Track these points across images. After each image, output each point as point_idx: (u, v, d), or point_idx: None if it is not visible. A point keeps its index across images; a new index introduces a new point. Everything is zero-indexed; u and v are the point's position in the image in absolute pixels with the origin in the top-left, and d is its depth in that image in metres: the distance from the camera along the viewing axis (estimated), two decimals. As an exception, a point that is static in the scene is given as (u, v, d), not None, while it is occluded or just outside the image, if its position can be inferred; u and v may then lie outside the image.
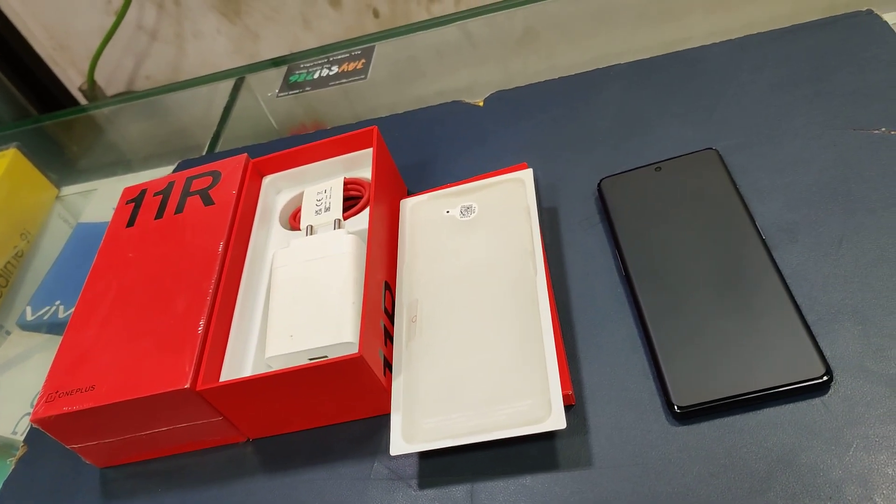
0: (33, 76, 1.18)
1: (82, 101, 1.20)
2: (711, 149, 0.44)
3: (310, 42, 1.09)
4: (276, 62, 0.77)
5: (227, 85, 0.78)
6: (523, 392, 0.36)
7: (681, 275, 0.39)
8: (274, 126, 0.71)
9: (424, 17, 1.02)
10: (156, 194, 0.49)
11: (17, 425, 0.57)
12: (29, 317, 0.64)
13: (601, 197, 0.44)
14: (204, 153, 0.67)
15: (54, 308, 0.64)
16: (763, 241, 0.38)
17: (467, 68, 0.66)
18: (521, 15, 0.67)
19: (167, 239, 0.46)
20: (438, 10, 1.01)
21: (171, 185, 0.50)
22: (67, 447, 0.42)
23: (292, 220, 0.49)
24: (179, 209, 0.47)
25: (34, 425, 0.40)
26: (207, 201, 0.47)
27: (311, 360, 0.40)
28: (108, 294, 0.44)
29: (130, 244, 0.47)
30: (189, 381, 0.38)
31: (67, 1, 1.08)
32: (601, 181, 0.45)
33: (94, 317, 0.43)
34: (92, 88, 1.16)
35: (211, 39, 1.10)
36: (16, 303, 0.68)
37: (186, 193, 0.48)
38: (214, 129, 0.71)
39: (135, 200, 0.50)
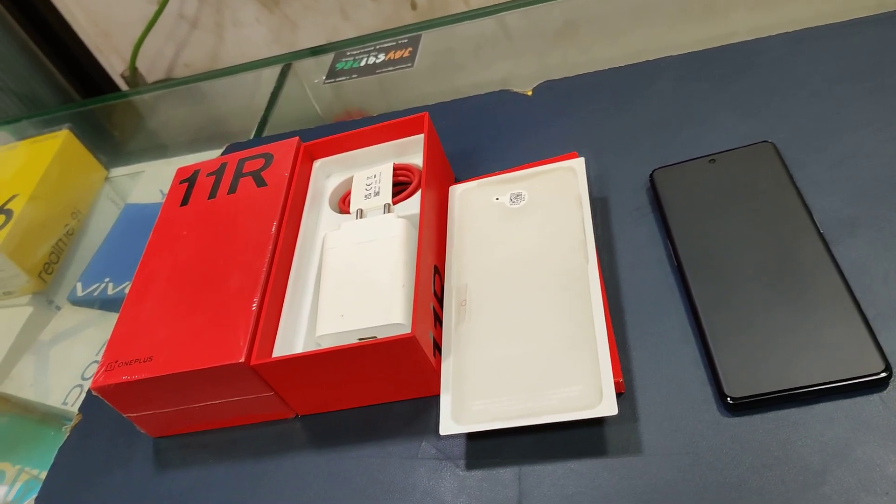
0: (77, 62, 1.20)
1: (124, 87, 1.22)
2: (767, 141, 0.43)
3: (348, 33, 1.09)
4: (314, 51, 0.78)
5: (270, 72, 0.79)
6: (574, 377, 0.36)
7: (735, 266, 0.38)
8: (319, 113, 0.72)
9: (462, 8, 1.02)
10: (209, 175, 0.50)
11: (67, 396, 0.58)
12: (79, 293, 0.66)
13: (653, 188, 0.44)
14: (251, 137, 0.68)
15: (103, 285, 0.66)
16: (821, 234, 0.38)
17: (509, 59, 0.66)
18: (560, 9, 0.67)
19: (220, 218, 0.47)
20: (476, 3, 1.01)
21: (223, 166, 0.50)
22: (123, 416, 0.43)
23: (342, 204, 0.49)
24: (232, 190, 0.48)
25: (93, 392, 0.41)
26: (260, 183, 0.48)
27: (360, 339, 0.40)
28: (163, 270, 0.45)
29: (184, 222, 0.48)
30: (243, 356, 0.38)
31: None
32: (653, 172, 0.45)
33: (151, 291, 0.44)
34: (133, 75, 1.19)
35: (250, 28, 1.12)
36: (66, 279, 0.70)
37: (239, 175, 0.49)
38: (260, 114, 0.72)
39: (188, 180, 0.51)
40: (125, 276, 0.65)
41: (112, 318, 0.63)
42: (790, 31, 0.51)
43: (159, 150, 0.80)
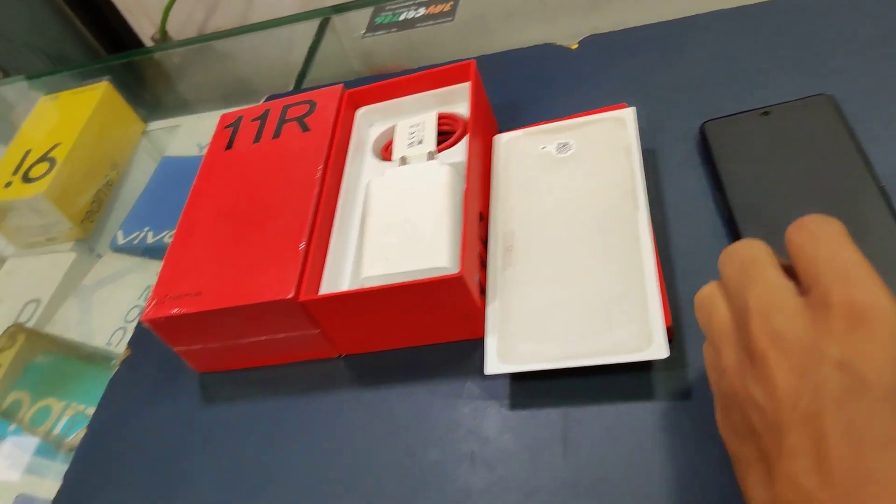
0: (107, 24, 1.21)
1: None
2: (825, 94, 0.43)
3: None
4: (353, 5, 0.77)
5: (306, 27, 0.79)
6: (624, 321, 0.36)
7: (789, 219, 0.38)
8: (356, 68, 0.72)
9: None
10: (253, 120, 0.51)
11: (111, 338, 0.60)
12: (120, 241, 0.67)
13: (704, 140, 0.44)
14: (290, 90, 0.68)
15: (143, 233, 0.67)
16: (882, 189, 0.38)
17: (553, 14, 0.65)
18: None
19: (265, 162, 0.47)
20: None
21: (267, 112, 0.51)
22: (172, 350, 0.44)
23: (384, 152, 0.50)
24: (276, 134, 0.49)
25: (144, 325, 0.42)
26: (304, 128, 0.48)
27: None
28: (210, 211, 0.46)
29: (230, 165, 0.48)
30: (292, 292, 0.39)
31: None
32: (704, 124, 0.44)
33: (198, 230, 0.45)
34: (163, 38, 1.19)
35: None
36: (106, 228, 0.71)
37: (283, 120, 0.50)
38: (297, 69, 0.72)
39: (233, 125, 0.51)
40: (164, 226, 0.66)
41: (152, 265, 0.64)
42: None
43: (195, 104, 0.81)
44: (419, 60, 0.64)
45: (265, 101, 0.66)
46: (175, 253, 0.44)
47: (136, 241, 0.66)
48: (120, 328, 0.60)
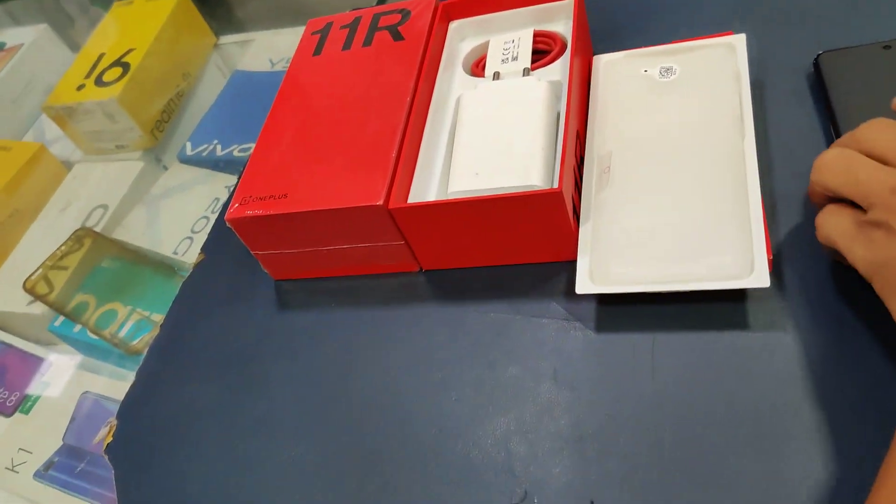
0: None
1: None
2: None
3: None
4: None
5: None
6: (724, 248, 0.35)
7: None
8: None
9: None
10: (343, 27, 0.49)
11: (177, 247, 0.60)
12: (189, 152, 0.67)
13: (818, 73, 0.41)
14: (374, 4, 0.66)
15: (212, 146, 0.66)
16: None
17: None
18: None
19: (356, 69, 0.46)
20: None
21: (357, 19, 0.49)
22: (251, 253, 0.44)
23: (475, 68, 0.48)
24: (367, 42, 0.47)
25: (228, 223, 0.42)
26: (397, 37, 0.47)
27: (492, 200, 0.40)
28: (297, 115, 0.45)
29: (318, 71, 0.47)
30: (382, 199, 0.38)
31: None
32: (819, 56, 0.42)
33: (284, 134, 0.44)
34: None
35: None
36: (175, 139, 0.71)
37: (375, 28, 0.48)
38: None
39: (320, 32, 0.50)
40: (233, 140, 0.66)
41: (220, 178, 0.64)
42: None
43: (268, 20, 0.79)
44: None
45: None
46: (260, 155, 0.44)
47: (204, 154, 0.66)
48: (187, 238, 0.60)
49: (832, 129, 0.39)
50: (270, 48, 0.74)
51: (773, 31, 0.46)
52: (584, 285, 0.36)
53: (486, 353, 0.38)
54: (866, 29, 0.43)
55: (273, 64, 0.72)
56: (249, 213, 0.41)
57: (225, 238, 0.49)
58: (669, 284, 0.35)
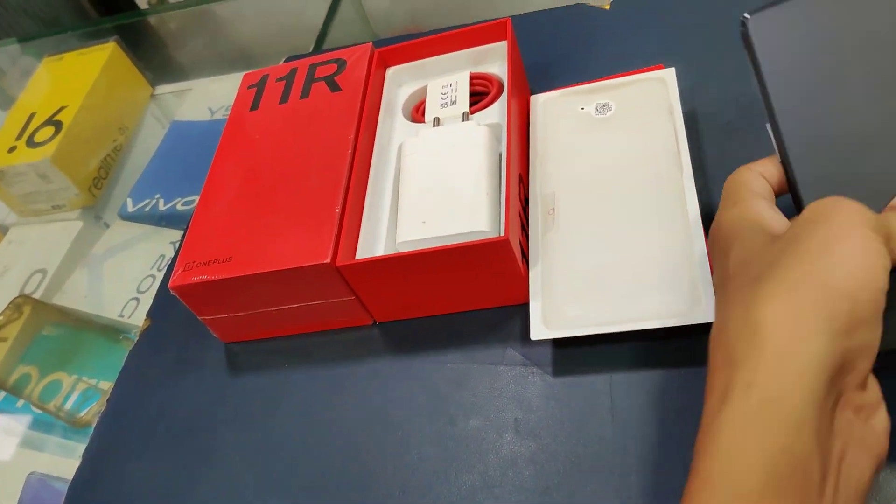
0: None
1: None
2: None
3: None
4: None
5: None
6: (671, 284, 0.35)
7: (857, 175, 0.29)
8: (374, 31, 0.70)
9: None
10: (279, 80, 0.49)
11: (123, 308, 0.58)
12: (130, 208, 0.65)
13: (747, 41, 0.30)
14: (310, 52, 0.66)
15: (154, 201, 0.65)
16: None
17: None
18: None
19: (294, 122, 0.45)
20: None
21: (294, 71, 0.49)
22: (197, 319, 0.43)
23: (415, 113, 0.48)
24: (305, 94, 0.47)
25: (172, 292, 0.41)
26: (334, 87, 0.46)
27: (441, 248, 0.39)
28: (237, 173, 0.44)
29: (256, 126, 0.47)
30: (329, 257, 0.38)
31: None
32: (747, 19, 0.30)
33: (225, 193, 0.43)
34: (161, 1, 1.16)
35: None
36: (114, 195, 0.69)
37: (311, 79, 0.48)
38: (315, 30, 0.69)
39: (256, 85, 0.49)
40: (175, 193, 0.64)
41: (165, 234, 0.63)
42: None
43: (205, 67, 0.78)
44: (444, 22, 0.62)
45: (286, 61, 0.63)
46: (202, 217, 0.43)
47: (146, 209, 0.64)
48: (133, 298, 0.59)
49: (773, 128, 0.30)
50: (209, 96, 0.73)
51: (701, 62, 0.47)
52: (538, 331, 0.36)
53: (446, 407, 0.38)
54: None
55: (213, 112, 0.71)
56: (194, 279, 0.40)
57: (171, 301, 0.47)
58: (621, 325, 0.35)
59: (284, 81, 0.48)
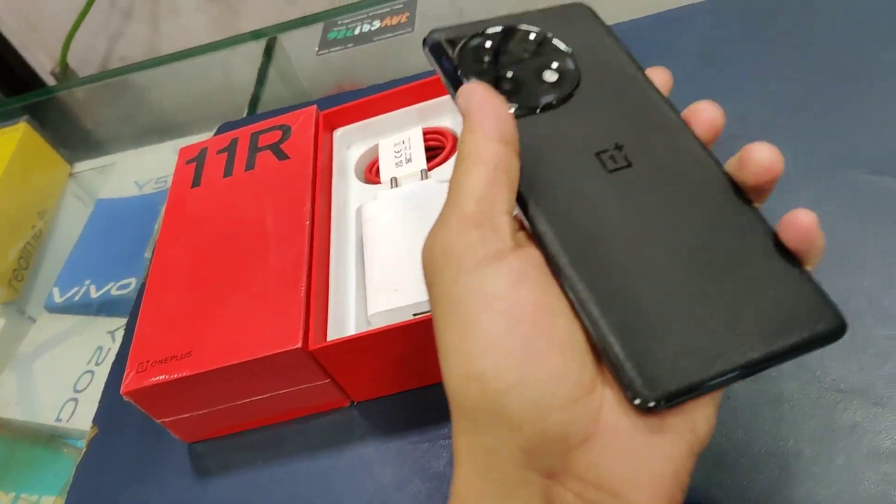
0: (1, 60, 1.11)
1: (53, 84, 1.14)
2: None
3: (294, 15, 1.04)
4: (302, 21, 0.72)
5: (248, 49, 0.74)
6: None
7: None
8: (306, 88, 0.68)
9: None
10: (219, 152, 0.46)
11: (60, 412, 0.53)
12: (57, 298, 0.60)
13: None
14: (244, 116, 0.63)
15: (84, 288, 0.60)
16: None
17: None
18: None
19: (242, 196, 0.43)
20: None
21: (234, 141, 0.46)
22: (154, 422, 0.39)
23: (369, 174, 0.46)
24: (250, 166, 0.44)
25: (125, 398, 0.36)
26: (281, 156, 0.44)
27: (415, 315, 0.37)
28: (184, 257, 0.41)
29: (200, 204, 0.43)
30: (300, 341, 0.35)
31: None
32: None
33: (174, 281, 0.40)
34: (65, 71, 1.11)
35: (188, 17, 1.05)
36: (37, 285, 0.63)
37: (255, 149, 0.45)
38: (243, 94, 0.67)
39: (196, 160, 0.46)
40: (108, 277, 0.60)
41: (100, 323, 0.58)
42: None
43: (127, 140, 0.74)
44: (377, 78, 0.61)
45: (217, 130, 0.60)
46: (150, 310, 0.39)
47: (76, 298, 0.59)
48: (70, 399, 0.53)
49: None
50: (134, 170, 0.68)
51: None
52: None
53: (445, 490, 0.35)
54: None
55: (140, 187, 0.67)
56: (150, 381, 0.36)
57: (119, 404, 0.43)
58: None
59: (226, 153, 0.45)
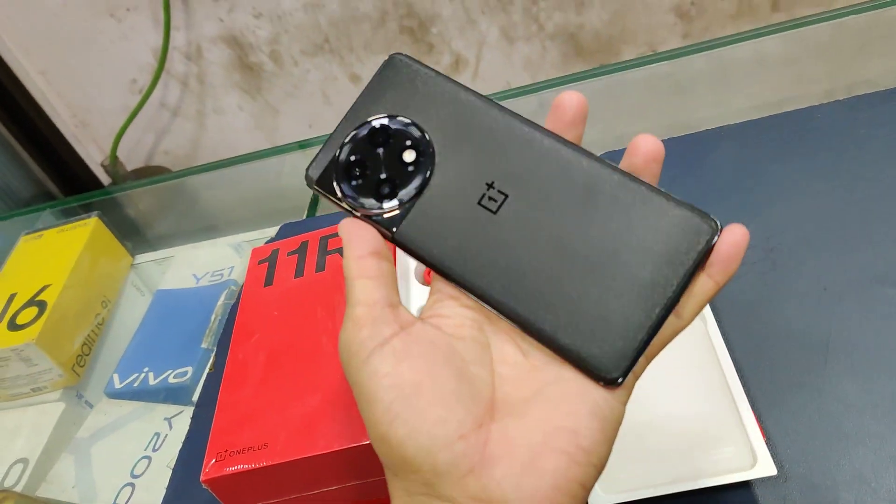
0: (55, 153, 1.19)
1: (102, 176, 1.21)
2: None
3: (330, 117, 1.12)
4: (301, 145, 0.79)
5: (294, 158, 0.80)
6: (723, 439, 0.36)
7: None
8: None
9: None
10: (290, 254, 0.50)
11: (117, 496, 0.55)
12: (117, 385, 0.62)
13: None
14: (304, 216, 0.67)
15: (143, 375, 0.62)
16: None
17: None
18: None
19: (313, 296, 0.46)
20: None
21: (304, 244, 0.50)
22: (227, 511, 0.40)
23: (427, 276, 0.49)
24: (320, 268, 0.48)
25: (204, 485, 0.39)
26: (350, 259, 0.47)
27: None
28: (259, 353, 0.44)
29: (273, 303, 0.47)
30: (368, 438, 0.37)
31: (93, 80, 1.10)
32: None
33: (250, 376, 0.43)
34: (114, 164, 1.18)
35: (232, 115, 1.13)
36: (97, 371, 0.66)
37: (324, 252, 0.49)
38: (300, 192, 0.71)
39: (268, 260, 0.50)
40: (166, 365, 0.62)
41: (158, 410, 0.60)
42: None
43: (184, 235, 0.79)
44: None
45: (281, 229, 0.65)
46: (227, 402, 0.42)
47: (135, 385, 0.62)
48: (127, 484, 0.55)
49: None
50: (191, 263, 0.72)
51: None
52: (598, 498, 0.36)
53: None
54: (755, 209, 0.49)
55: (197, 279, 0.71)
56: (229, 470, 0.38)
57: (185, 491, 0.45)
58: (679, 484, 0.35)
59: (297, 255, 0.49)
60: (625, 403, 0.26)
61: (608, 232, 0.25)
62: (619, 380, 0.24)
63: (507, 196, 0.27)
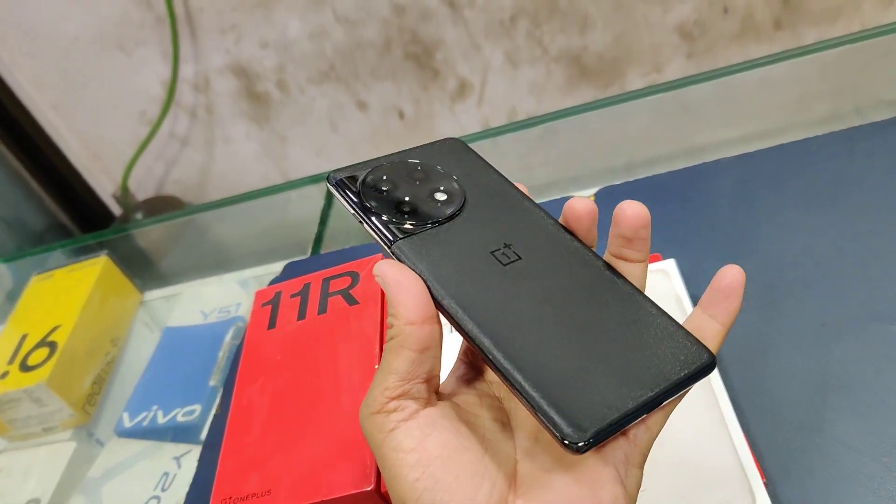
0: (67, 185, 1.21)
1: (114, 207, 1.23)
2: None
3: (337, 144, 1.13)
4: (313, 179, 0.79)
5: (305, 191, 0.81)
6: (721, 480, 0.36)
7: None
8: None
9: (447, 116, 1.07)
10: (293, 296, 0.50)
11: (128, 538, 0.55)
12: (127, 423, 0.63)
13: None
14: (308, 253, 0.68)
15: (152, 413, 0.63)
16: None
17: (551, 167, 0.69)
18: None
19: (316, 339, 0.46)
20: (461, 110, 1.06)
21: (307, 286, 0.51)
22: (232, 558, 0.41)
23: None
24: (322, 310, 0.48)
25: (209, 535, 0.39)
26: (351, 301, 0.48)
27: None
28: (263, 397, 0.44)
29: (276, 346, 0.47)
30: (373, 483, 0.37)
31: (103, 113, 1.12)
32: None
33: (254, 420, 0.43)
34: (125, 195, 1.20)
35: (240, 144, 1.14)
36: (107, 410, 0.67)
37: (326, 294, 0.49)
38: (309, 227, 0.72)
39: (271, 302, 0.51)
40: (174, 403, 0.63)
41: (166, 449, 0.61)
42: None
43: (193, 271, 0.80)
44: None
45: (284, 269, 0.65)
46: (232, 447, 0.42)
47: (145, 423, 0.63)
48: (138, 524, 0.56)
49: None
50: (200, 299, 0.73)
51: (692, 249, 0.51)
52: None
53: None
54: (764, 240, 0.49)
55: (206, 316, 0.71)
56: (232, 518, 0.38)
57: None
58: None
59: (299, 297, 0.50)
60: (641, 467, 0.26)
61: (610, 323, 0.27)
62: (581, 446, 0.24)
63: (520, 257, 0.28)
